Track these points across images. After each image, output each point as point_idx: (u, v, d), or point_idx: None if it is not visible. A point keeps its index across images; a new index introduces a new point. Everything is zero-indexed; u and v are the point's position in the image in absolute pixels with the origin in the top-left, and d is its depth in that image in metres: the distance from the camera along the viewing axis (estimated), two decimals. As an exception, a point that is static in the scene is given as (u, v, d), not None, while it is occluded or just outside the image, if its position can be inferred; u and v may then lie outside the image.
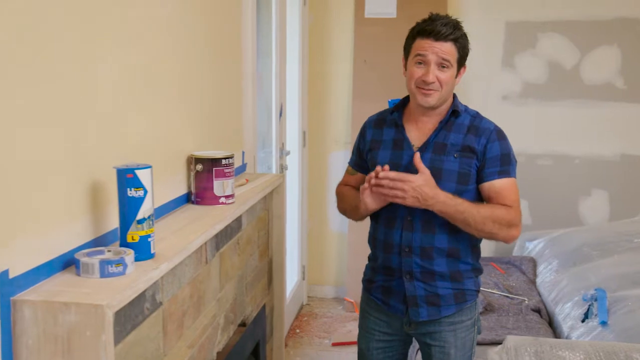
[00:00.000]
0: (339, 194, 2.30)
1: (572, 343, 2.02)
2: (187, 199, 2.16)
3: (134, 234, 1.49)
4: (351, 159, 2.31)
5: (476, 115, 2.09)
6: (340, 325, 4.09)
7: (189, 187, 2.15)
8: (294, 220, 4.30)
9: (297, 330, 4.05)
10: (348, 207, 2.22)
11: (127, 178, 1.47)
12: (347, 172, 2.32)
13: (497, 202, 2.01)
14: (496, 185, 2.01)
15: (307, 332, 4.03)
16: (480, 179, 2.03)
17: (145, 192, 1.49)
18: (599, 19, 4.19)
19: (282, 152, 3.74)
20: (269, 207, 2.74)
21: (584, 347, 1.99)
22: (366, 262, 2.28)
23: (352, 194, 2.21)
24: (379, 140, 2.14)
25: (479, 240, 2.12)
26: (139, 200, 1.48)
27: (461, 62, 2.02)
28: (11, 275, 1.24)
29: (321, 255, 4.65)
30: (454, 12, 4.15)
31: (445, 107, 2.07)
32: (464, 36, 2.01)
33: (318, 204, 4.60)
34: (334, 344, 3.82)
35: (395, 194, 1.94)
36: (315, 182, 4.56)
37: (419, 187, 1.93)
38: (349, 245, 4.45)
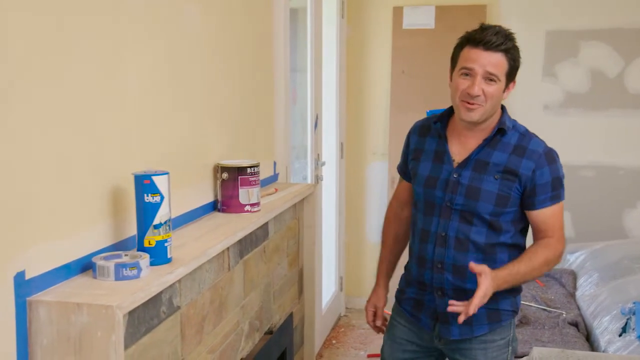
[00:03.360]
0: (382, 232, 2.33)
1: (600, 356, 1.97)
2: (214, 206, 2.20)
3: (151, 238, 1.52)
4: (399, 163, 2.24)
5: (525, 134, 1.98)
6: (377, 337, 4.06)
7: (216, 195, 2.19)
8: (331, 231, 4.31)
9: (334, 341, 4.05)
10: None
11: (144, 184, 1.51)
12: (399, 181, 2.28)
13: (545, 229, 1.96)
14: (545, 214, 1.95)
15: (343, 343, 4.03)
16: (530, 205, 1.95)
17: (162, 197, 1.53)
18: (643, 26, 4.10)
19: (318, 163, 3.76)
20: (299, 216, 2.76)
21: (613, 361, 1.93)
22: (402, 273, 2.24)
23: (386, 248, 2.30)
24: (421, 150, 2.08)
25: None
26: (156, 206, 1.52)
27: (510, 75, 1.91)
28: (28, 276, 1.29)
29: (359, 267, 4.64)
30: (493, 22, 4.09)
31: (491, 123, 1.97)
32: (515, 48, 1.90)
33: (356, 215, 4.60)
34: (369, 356, 3.81)
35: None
36: (353, 193, 4.57)
37: (489, 290, 1.86)
38: (387, 257, 4.43)
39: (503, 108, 2.01)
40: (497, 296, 1.97)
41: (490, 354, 2.03)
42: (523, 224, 2.02)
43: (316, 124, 3.73)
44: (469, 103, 1.89)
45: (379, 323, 2.26)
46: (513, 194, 1.93)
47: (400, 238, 2.26)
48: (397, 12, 4.38)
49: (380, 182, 4.51)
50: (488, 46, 1.85)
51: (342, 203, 4.49)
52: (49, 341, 1.29)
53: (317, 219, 3.03)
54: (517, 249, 2.02)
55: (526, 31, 4.23)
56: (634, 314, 2.73)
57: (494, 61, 1.86)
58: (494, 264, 1.96)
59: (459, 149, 2.00)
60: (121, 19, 1.60)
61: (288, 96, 2.98)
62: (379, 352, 3.76)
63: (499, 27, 1.91)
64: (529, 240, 2.04)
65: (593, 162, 4.24)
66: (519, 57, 1.93)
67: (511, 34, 1.91)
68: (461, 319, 1.85)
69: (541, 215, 1.95)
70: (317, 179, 3.77)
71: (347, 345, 4.00)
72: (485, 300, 1.85)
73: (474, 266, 1.87)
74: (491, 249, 1.97)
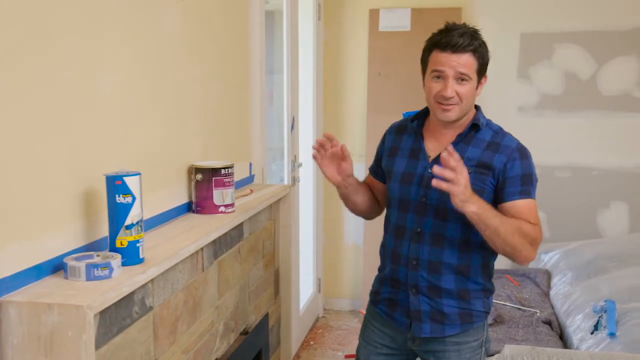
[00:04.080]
0: None
1: (570, 353, 2.00)
2: (189, 208, 2.20)
3: (123, 239, 1.53)
4: (372, 163, 2.27)
5: (499, 131, 2.01)
6: (355, 337, 4.08)
7: (190, 196, 2.20)
8: (309, 232, 4.32)
9: (311, 342, 4.06)
10: (343, 199, 2.21)
11: (115, 185, 1.52)
12: (367, 175, 2.30)
13: (518, 217, 1.93)
14: (518, 205, 1.93)
15: (321, 344, 4.04)
16: (500, 199, 1.95)
17: (134, 198, 1.53)
18: (615, 29, 4.16)
19: (294, 165, 3.78)
20: (275, 217, 2.77)
21: (582, 358, 1.96)
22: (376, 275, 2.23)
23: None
24: (397, 147, 2.11)
25: (491, 259, 2.06)
26: (128, 207, 1.53)
27: (481, 72, 1.94)
28: (-2, 277, 1.29)
29: (337, 268, 4.66)
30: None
31: (466, 120, 2.00)
32: (482, 45, 1.93)
33: (333, 217, 4.62)
34: (347, 357, 3.82)
35: (452, 178, 1.77)
36: (331, 195, 4.57)
37: (465, 173, 1.79)
38: (364, 258, 4.46)
39: (478, 108, 2.04)
40: (470, 296, 2.01)
41: (464, 356, 2.04)
42: None
43: (293, 126, 3.75)
44: (444, 105, 1.93)
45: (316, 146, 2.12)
46: (487, 188, 1.95)
47: (367, 188, 2.22)
48: (374, 14, 4.41)
49: (358, 184, 4.52)
50: (455, 49, 1.88)
51: (320, 205, 4.50)
52: (20, 341, 1.29)
53: (293, 220, 3.04)
54: (489, 251, 2.01)
55: (501, 33, 4.29)
56: (605, 312, 2.77)
57: (463, 62, 1.89)
58: (468, 261, 1.99)
59: (435, 145, 2.03)
60: (97, 20, 1.61)
61: (264, 98, 2.99)
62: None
63: (464, 26, 1.93)
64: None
65: (567, 163, 4.30)
66: (487, 52, 1.95)
67: (476, 32, 1.93)
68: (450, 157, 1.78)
69: (513, 207, 1.93)
70: (294, 180, 3.78)
71: (324, 346, 4.01)
72: (462, 172, 1.78)
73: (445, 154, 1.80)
74: (466, 246, 1.98)
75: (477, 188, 1.93)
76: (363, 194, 2.20)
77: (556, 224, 4.31)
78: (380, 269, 2.18)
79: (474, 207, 1.81)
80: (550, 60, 4.27)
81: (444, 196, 1.94)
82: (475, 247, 1.99)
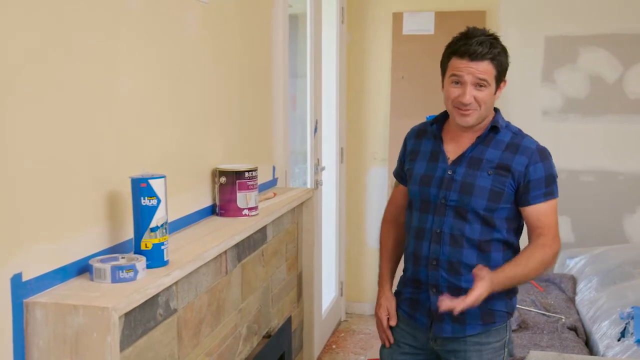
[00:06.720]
0: (380, 235, 2.31)
1: (596, 359, 1.97)
2: (212, 210, 2.21)
3: (148, 241, 1.53)
4: (395, 168, 2.28)
5: (518, 133, 2.03)
6: (377, 342, 4.05)
7: (214, 199, 2.20)
8: (332, 236, 4.31)
9: (334, 346, 4.05)
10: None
11: (140, 187, 1.52)
12: (394, 185, 2.31)
13: (539, 226, 1.98)
14: (541, 209, 1.97)
15: (343, 348, 4.03)
16: (524, 202, 1.98)
17: (159, 201, 1.54)
18: (641, 32, 4.11)
19: (317, 168, 3.77)
20: (298, 220, 2.77)
21: (609, 364, 1.94)
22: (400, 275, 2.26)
23: (386, 252, 2.27)
24: (417, 151, 2.13)
25: (511, 259, 2.03)
26: (152, 209, 1.53)
27: (500, 78, 1.96)
28: (24, 278, 1.30)
29: (359, 272, 4.65)
30: (492, 28, 4.11)
31: (485, 123, 2.02)
32: (501, 53, 1.94)
33: (356, 220, 4.61)
34: (369, 360, 3.81)
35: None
36: (354, 198, 4.58)
37: (483, 295, 1.88)
38: (387, 262, 4.44)
39: (497, 110, 2.06)
40: (491, 296, 1.99)
41: (485, 356, 2.04)
42: (517, 223, 2.05)
43: (316, 129, 3.75)
44: (462, 110, 1.95)
45: (393, 322, 2.19)
46: (507, 190, 1.97)
47: (399, 242, 2.26)
48: (397, 17, 4.40)
49: (381, 187, 4.52)
50: (474, 57, 1.90)
51: (342, 208, 4.49)
52: (45, 342, 1.30)
53: (316, 223, 3.04)
54: (511, 249, 2.04)
55: (525, 37, 4.26)
56: (632, 318, 2.73)
57: (482, 69, 1.91)
58: (487, 261, 1.99)
59: (454, 147, 2.05)
60: (120, 23, 1.62)
61: (287, 101, 2.99)
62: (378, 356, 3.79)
63: (483, 32, 1.94)
64: (523, 241, 2.05)
65: (593, 167, 4.25)
66: (506, 58, 1.97)
67: (496, 39, 1.95)
68: (455, 309, 1.87)
69: (535, 211, 1.98)
70: (317, 183, 3.78)
71: (346, 350, 4.01)
72: (478, 303, 1.88)
73: (476, 271, 1.91)
74: (485, 245, 1.99)
75: (497, 189, 1.97)
76: (399, 254, 2.29)
77: (581, 229, 4.26)
78: (404, 271, 2.21)
79: (496, 290, 1.93)
80: (575, 64, 4.23)
81: (464, 197, 1.99)
82: (496, 247, 2.01)
